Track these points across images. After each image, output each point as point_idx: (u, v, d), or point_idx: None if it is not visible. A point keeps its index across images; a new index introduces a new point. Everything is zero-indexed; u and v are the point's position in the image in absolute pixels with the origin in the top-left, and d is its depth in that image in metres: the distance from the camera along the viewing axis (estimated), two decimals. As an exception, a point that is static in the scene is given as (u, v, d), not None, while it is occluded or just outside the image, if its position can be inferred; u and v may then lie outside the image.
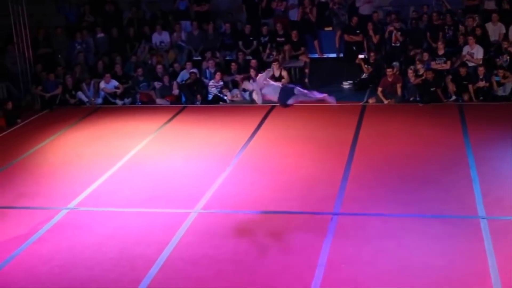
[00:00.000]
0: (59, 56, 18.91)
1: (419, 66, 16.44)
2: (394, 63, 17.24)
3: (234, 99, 17.12)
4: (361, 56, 17.93)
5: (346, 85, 18.25)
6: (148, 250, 9.15)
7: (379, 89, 16.41)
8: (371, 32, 18.07)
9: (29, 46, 18.24)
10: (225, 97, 17.14)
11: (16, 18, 17.85)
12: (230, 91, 17.23)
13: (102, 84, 17.58)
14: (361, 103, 16.32)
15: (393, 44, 17.86)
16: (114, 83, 17.57)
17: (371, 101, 16.43)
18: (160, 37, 19.04)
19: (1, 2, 17.72)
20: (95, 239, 9.57)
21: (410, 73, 16.33)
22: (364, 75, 17.71)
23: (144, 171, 12.35)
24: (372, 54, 17.61)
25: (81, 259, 9.01)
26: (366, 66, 17.64)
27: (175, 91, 17.47)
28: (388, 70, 16.38)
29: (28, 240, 9.61)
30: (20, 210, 10.80)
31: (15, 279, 8.62)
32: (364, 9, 18.79)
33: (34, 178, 12.27)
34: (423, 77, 16.19)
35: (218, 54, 18.47)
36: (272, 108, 16.19)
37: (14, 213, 10.69)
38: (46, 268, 8.83)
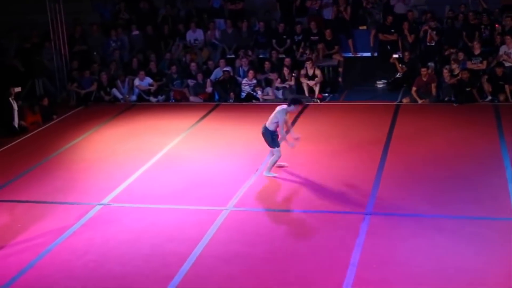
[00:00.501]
0: (95, 53, 19.09)
1: (454, 66, 16.27)
2: (430, 63, 17.09)
3: (266, 97, 17.13)
4: (395, 56, 17.81)
5: (380, 84, 18.18)
6: (180, 247, 9.20)
7: (414, 88, 16.28)
8: (406, 32, 17.93)
9: (66, 43, 18.46)
10: (258, 95, 17.15)
11: (53, 15, 18.08)
12: (263, 89, 17.24)
13: (137, 81, 17.73)
14: (395, 103, 16.22)
15: (428, 44, 17.71)
16: (148, 80, 17.70)
17: (405, 100, 16.32)
18: (194, 35, 19.13)
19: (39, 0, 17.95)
20: (129, 235, 9.66)
21: (445, 73, 16.19)
22: (398, 75, 17.60)
23: (177, 168, 12.42)
24: (406, 53, 17.48)
25: (114, 254, 9.10)
26: (400, 65, 17.52)
27: (209, 89, 17.54)
28: (423, 69, 16.25)
29: (63, 235, 9.74)
30: (56, 205, 10.94)
31: (50, 272, 8.73)
32: (399, 8, 18.67)
33: (69, 174, 12.42)
34: (459, 77, 16.03)
35: (251, 53, 18.50)
36: (305, 107, 16.19)
37: (50, 207, 10.83)
38: (81, 262, 8.94)
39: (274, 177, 11.65)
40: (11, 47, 18.74)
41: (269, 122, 11.62)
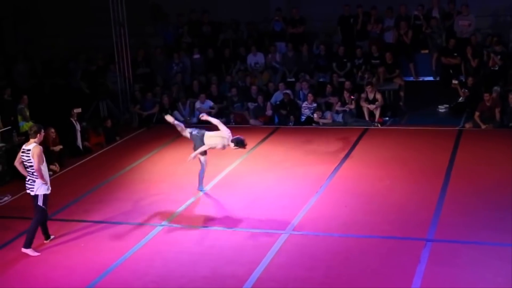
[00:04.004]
0: (158, 76, 19.38)
1: (519, 90, 15.93)
2: (495, 87, 16.74)
3: (323, 121, 17.04)
4: (455, 81, 17.47)
5: (442, 109, 17.91)
6: (239, 270, 9.22)
7: (477, 113, 16.00)
8: (469, 55, 17.65)
9: (129, 66, 18.83)
10: (314, 118, 17.10)
11: (117, 38, 18.46)
12: (323, 113, 17.21)
13: (198, 104, 17.93)
14: (457, 128, 15.96)
15: (492, 68, 17.39)
16: (209, 103, 17.88)
17: (467, 125, 16.05)
18: (255, 58, 19.27)
19: (105, 23, 18.38)
20: (188, 257, 9.73)
21: (511, 97, 15.83)
22: (460, 99, 17.32)
23: (237, 190, 12.48)
24: (470, 78, 17.19)
25: (174, 276, 9.17)
26: (463, 89, 17.24)
27: (269, 112, 17.61)
28: (486, 94, 15.96)
29: (124, 255, 9.87)
30: (117, 225, 11.10)
31: (110, 292, 8.88)
32: (462, 32, 18.41)
33: (130, 195, 12.60)
34: (524, 102, 15.69)
35: (308, 77, 18.47)
36: (366, 130, 16.12)
37: (111, 228, 10.99)
38: (141, 283, 9.04)
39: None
40: (78, 69, 19.23)
41: (212, 141, 11.78)
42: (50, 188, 10.16)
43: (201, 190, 12.34)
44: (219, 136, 11.87)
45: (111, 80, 18.86)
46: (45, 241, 10.35)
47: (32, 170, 9.95)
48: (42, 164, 9.96)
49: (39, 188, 10.01)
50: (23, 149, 10.06)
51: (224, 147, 11.85)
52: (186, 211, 11.58)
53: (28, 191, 10.13)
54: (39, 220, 10.13)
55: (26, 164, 10.02)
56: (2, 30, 21.21)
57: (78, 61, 19.47)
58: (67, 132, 15.32)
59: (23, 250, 10.05)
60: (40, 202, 10.04)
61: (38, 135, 10.06)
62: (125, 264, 9.62)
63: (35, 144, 9.98)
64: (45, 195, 10.07)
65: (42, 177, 9.95)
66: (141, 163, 14.59)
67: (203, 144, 11.91)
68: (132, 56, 19.07)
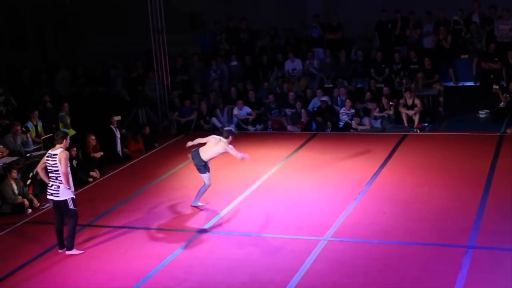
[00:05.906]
0: (196, 83, 19.51)
1: None
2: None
3: (361, 127, 16.95)
4: (496, 87, 17.23)
5: (482, 114, 17.67)
6: (277, 277, 9.21)
7: (518, 118, 15.78)
8: (510, 60, 17.40)
9: (168, 73, 18.97)
10: (352, 125, 17.02)
11: (156, 46, 18.62)
12: (361, 119, 17.12)
13: (235, 111, 18.00)
14: (498, 134, 15.74)
15: (533, 73, 17.14)
16: (247, 109, 17.93)
17: (509, 131, 15.81)
18: (293, 65, 19.27)
19: (143, 31, 18.56)
20: (227, 263, 9.76)
21: (552, 102, 15.60)
22: (501, 104, 17.07)
23: (275, 197, 12.48)
24: (511, 83, 16.92)
25: (213, 282, 9.21)
26: (504, 95, 17.00)
27: (304, 118, 17.58)
28: (528, 99, 15.73)
29: (163, 261, 9.94)
30: (156, 231, 11.20)
31: (150, 298, 8.94)
32: (503, 36, 18.15)
33: (168, 201, 12.68)
34: None
35: (346, 83, 18.39)
36: (404, 136, 15.99)
37: (151, 234, 11.09)
38: (180, 289, 9.11)
39: (201, 206, 12.01)
40: (118, 77, 19.43)
41: (210, 153, 11.87)
42: (74, 192, 10.28)
43: (195, 205, 12.07)
44: (213, 146, 11.91)
45: (150, 88, 19.02)
46: (59, 250, 10.42)
47: (57, 175, 10.05)
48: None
49: (64, 193, 10.11)
50: (49, 153, 10.19)
51: (224, 149, 11.84)
52: (224, 217, 11.62)
53: (51, 197, 10.26)
54: (75, 223, 10.27)
55: (50, 169, 10.13)
56: (43, 39, 21.60)
57: (117, 69, 19.68)
58: (107, 139, 15.51)
59: (67, 252, 10.27)
60: (71, 206, 10.18)
61: (64, 140, 10.22)
62: (164, 270, 9.68)
63: (61, 149, 10.12)
64: (73, 198, 10.21)
65: (67, 181, 10.04)
66: (180, 170, 14.68)
67: (202, 160, 11.91)
68: (171, 64, 19.20)
